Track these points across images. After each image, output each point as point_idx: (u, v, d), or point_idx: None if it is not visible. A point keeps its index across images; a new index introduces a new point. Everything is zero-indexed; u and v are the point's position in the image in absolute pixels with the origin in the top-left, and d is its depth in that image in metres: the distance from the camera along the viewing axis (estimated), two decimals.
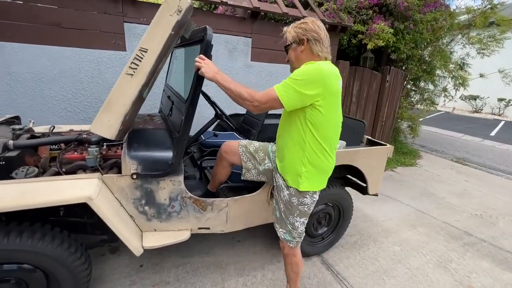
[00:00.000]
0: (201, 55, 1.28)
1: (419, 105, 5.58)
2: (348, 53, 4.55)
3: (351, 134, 2.32)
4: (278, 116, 2.84)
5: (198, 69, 1.27)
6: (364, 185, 2.23)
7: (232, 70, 3.44)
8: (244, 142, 1.65)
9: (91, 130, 1.29)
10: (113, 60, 2.85)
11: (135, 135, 1.58)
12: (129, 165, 1.38)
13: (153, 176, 1.40)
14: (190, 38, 1.50)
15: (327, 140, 1.29)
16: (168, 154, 1.43)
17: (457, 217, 3.07)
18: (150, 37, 1.27)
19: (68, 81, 2.73)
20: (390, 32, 3.78)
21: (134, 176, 1.37)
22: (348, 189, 2.26)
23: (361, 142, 2.32)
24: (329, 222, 2.14)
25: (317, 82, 1.14)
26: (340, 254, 2.22)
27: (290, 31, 1.30)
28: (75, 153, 1.60)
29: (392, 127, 5.19)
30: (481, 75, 5.75)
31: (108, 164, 1.57)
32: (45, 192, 1.19)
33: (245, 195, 1.63)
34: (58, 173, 1.48)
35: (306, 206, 1.39)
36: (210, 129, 2.11)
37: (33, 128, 1.89)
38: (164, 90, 2.34)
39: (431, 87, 5.39)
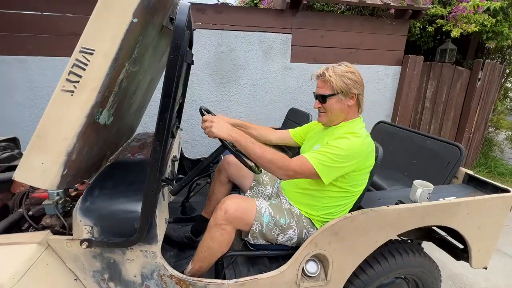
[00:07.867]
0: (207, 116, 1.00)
1: None
2: (420, 45, 3.54)
3: (437, 165, 1.51)
4: None
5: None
6: (461, 246, 1.41)
7: (268, 74, 2.86)
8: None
9: (14, 178, 0.86)
10: None
11: (108, 173, 1.12)
12: (81, 226, 0.92)
13: (110, 245, 0.91)
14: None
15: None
16: (136, 207, 0.93)
17: None
18: (95, 29, 0.78)
19: None
20: (495, 8, 2.70)
21: (84, 245, 0.89)
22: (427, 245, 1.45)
23: (454, 178, 1.48)
24: None
25: (361, 156, 1.06)
26: None
27: (336, 80, 1.09)
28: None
29: (482, 139, 3.94)
30: None
31: None
32: None
33: (261, 275, 1.01)
34: (22, 218, 1.14)
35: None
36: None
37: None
38: None
39: None
